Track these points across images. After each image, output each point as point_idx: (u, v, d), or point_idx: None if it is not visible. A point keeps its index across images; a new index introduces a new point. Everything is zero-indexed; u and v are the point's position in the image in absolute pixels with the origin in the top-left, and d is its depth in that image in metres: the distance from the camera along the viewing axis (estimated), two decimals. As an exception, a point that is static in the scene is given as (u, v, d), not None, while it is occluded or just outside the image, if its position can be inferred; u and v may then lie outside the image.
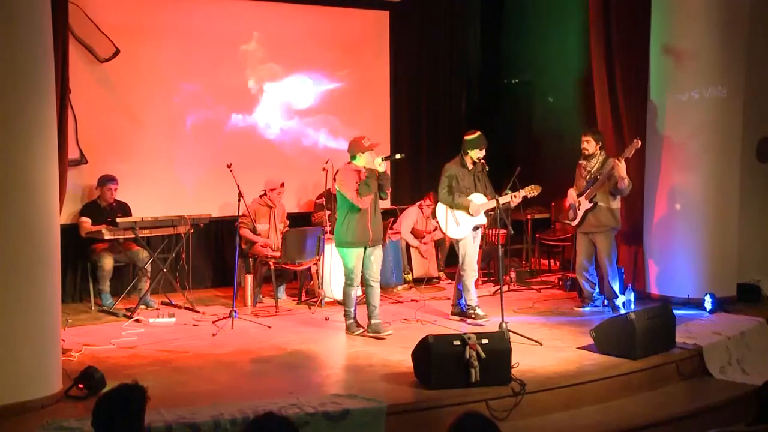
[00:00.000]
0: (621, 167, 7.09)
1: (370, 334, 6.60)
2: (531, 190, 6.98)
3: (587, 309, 7.55)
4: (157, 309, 7.48)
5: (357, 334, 6.64)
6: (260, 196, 8.10)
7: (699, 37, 7.64)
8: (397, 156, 6.85)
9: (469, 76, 10.78)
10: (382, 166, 6.57)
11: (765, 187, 8.36)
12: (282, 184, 8.13)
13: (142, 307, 7.48)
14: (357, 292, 6.74)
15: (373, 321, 6.65)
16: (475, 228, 7.11)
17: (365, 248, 6.62)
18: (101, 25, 7.93)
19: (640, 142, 7.21)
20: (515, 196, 6.96)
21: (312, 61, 9.30)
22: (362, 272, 6.66)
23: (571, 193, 7.53)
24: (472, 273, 7.08)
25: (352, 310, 6.72)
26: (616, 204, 7.33)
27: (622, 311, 7.13)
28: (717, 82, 7.63)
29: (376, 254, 6.71)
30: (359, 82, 9.65)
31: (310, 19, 9.26)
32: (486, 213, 7.07)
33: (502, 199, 6.91)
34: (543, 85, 10.79)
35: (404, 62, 9.99)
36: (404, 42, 9.97)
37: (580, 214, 7.38)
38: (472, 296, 7.10)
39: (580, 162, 7.48)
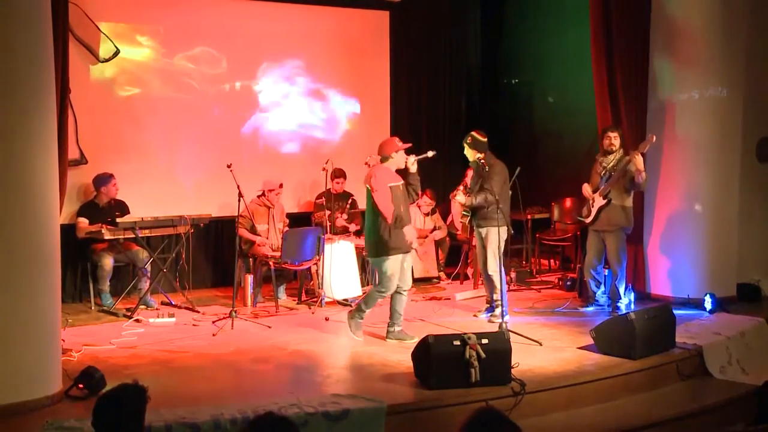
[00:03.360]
0: (639, 160, 7.07)
1: (393, 340, 6.45)
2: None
3: (590, 309, 7.54)
4: (157, 309, 7.48)
5: (358, 338, 6.50)
6: (258, 197, 8.10)
7: (699, 37, 7.65)
8: (429, 154, 6.65)
9: (469, 76, 10.78)
10: (414, 166, 6.49)
11: (765, 187, 8.36)
12: (281, 185, 8.12)
13: (142, 307, 7.48)
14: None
15: (396, 328, 6.50)
16: (473, 224, 7.21)
17: (403, 254, 6.45)
18: (101, 25, 7.93)
19: (654, 137, 7.20)
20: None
21: (312, 61, 9.29)
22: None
23: (586, 188, 7.42)
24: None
25: (368, 312, 6.56)
26: (630, 202, 7.29)
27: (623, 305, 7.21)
28: (717, 82, 7.63)
29: (408, 261, 6.59)
30: (359, 82, 9.65)
31: (310, 19, 9.25)
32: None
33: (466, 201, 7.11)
34: (543, 85, 10.79)
35: (404, 62, 9.98)
36: (404, 42, 9.96)
37: (594, 211, 7.33)
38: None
39: (597, 158, 7.44)
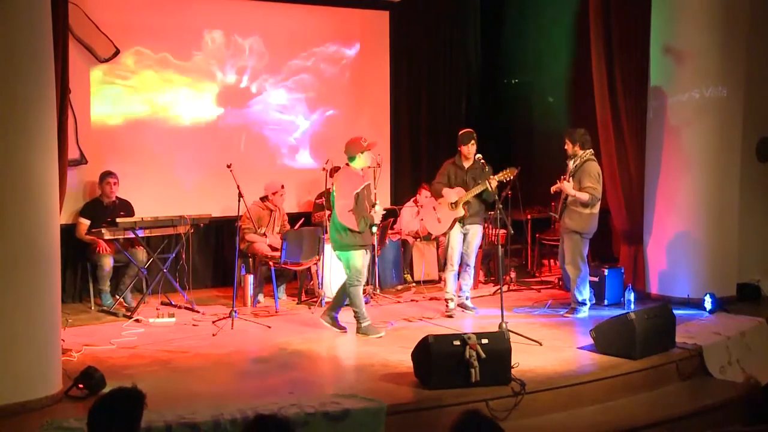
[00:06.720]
0: (565, 186, 7.12)
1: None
2: (506, 174, 7.06)
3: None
4: (156, 307, 7.47)
5: (379, 336, 6.58)
6: (261, 200, 8.09)
7: (699, 37, 7.65)
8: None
9: (469, 76, 10.78)
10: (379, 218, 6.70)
11: (765, 187, 8.36)
12: (282, 186, 8.13)
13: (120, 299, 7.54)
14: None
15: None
16: (459, 222, 7.17)
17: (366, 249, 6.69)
18: (101, 25, 7.93)
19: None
20: (491, 180, 6.98)
21: (312, 60, 9.29)
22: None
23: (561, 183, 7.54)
24: (450, 267, 7.31)
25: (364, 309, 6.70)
26: (588, 210, 7.15)
27: (581, 314, 7.17)
28: (717, 82, 7.63)
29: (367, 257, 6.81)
30: (359, 82, 9.65)
31: (311, 18, 9.26)
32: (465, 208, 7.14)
33: (474, 191, 7.05)
34: (543, 85, 10.79)
35: (404, 62, 9.99)
36: (404, 42, 9.97)
37: (559, 210, 7.37)
38: (448, 289, 7.33)
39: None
